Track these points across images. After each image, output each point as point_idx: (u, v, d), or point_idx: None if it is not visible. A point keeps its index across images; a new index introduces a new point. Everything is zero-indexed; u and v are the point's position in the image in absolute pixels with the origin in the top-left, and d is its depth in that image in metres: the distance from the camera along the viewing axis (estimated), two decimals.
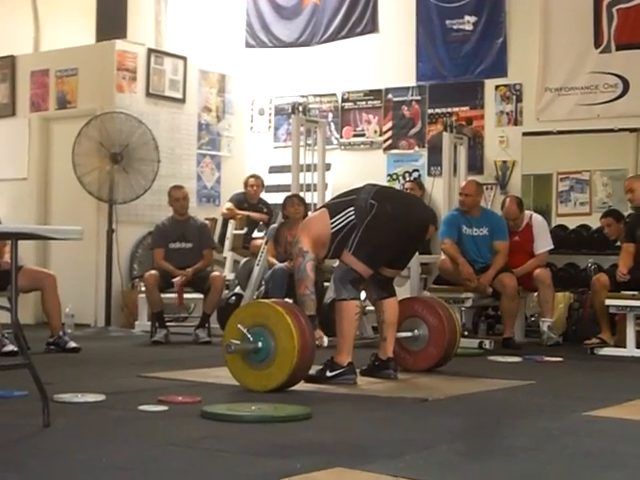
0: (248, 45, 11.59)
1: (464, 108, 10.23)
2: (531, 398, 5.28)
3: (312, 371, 5.46)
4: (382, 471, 3.23)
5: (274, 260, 8.49)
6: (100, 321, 9.84)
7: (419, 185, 10.14)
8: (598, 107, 9.49)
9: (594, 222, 9.26)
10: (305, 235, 5.64)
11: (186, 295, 8.79)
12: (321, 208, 6.02)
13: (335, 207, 5.74)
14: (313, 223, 5.79)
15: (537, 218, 8.83)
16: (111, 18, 11.83)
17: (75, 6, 12.19)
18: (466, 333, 8.42)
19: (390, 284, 5.95)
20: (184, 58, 10.98)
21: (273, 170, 10.97)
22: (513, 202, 8.77)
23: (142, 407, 4.51)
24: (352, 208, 5.62)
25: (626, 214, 8.58)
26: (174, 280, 8.55)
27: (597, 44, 9.52)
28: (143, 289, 8.97)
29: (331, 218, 5.65)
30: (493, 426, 4.36)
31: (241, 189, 10.35)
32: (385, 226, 5.59)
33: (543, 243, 8.69)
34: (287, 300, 6.43)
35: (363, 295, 6.02)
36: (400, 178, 10.53)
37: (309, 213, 7.92)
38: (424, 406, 4.92)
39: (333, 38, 11.05)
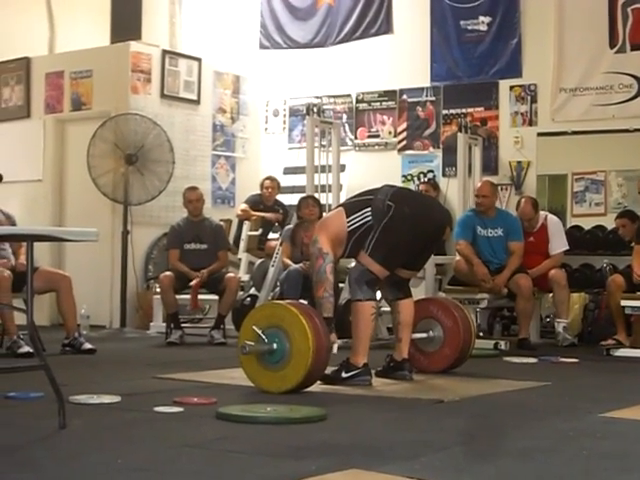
0: (262, 46, 11.60)
1: (479, 109, 10.21)
2: (547, 399, 5.27)
3: (327, 372, 5.46)
4: (398, 472, 3.23)
5: (289, 261, 8.48)
6: (115, 322, 9.86)
7: (434, 186, 10.12)
8: (613, 107, 9.47)
9: (609, 223, 9.23)
10: (323, 235, 5.62)
11: (201, 296, 8.80)
12: (337, 207, 6.02)
13: (352, 206, 5.74)
14: (330, 222, 5.78)
15: (552, 219, 8.81)
16: (126, 20, 11.86)
17: (90, 8, 12.23)
18: (481, 334, 8.41)
19: (406, 285, 5.94)
20: (198, 59, 10.99)
21: (288, 171, 10.97)
22: (528, 203, 8.75)
23: (157, 408, 4.51)
24: (369, 209, 5.60)
25: None
26: (191, 283, 8.56)
27: (612, 44, 9.49)
28: (158, 290, 8.99)
29: (347, 217, 5.64)
30: (509, 427, 4.34)
31: (256, 190, 10.35)
32: (402, 227, 5.58)
33: (558, 244, 8.66)
34: (302, 301, 6.43)
35: (379, 295, 6.01)
36: (415, 179, 10.52)
37: (324, 214, 7.92)
38: (439, 407, 4.91)
39: (347, 39, 11.04)
